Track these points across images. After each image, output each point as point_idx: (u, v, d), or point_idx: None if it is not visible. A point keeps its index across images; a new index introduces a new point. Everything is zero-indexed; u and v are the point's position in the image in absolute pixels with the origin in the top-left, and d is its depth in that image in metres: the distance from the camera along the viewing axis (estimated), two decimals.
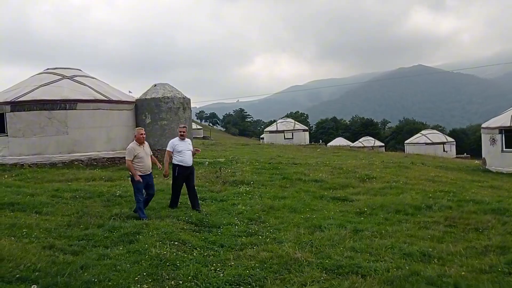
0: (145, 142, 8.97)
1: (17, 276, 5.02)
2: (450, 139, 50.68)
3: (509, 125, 20.82)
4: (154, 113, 18.28)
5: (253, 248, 6.61)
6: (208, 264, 5.83)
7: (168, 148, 9.63)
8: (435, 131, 54.44)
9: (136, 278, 5.15)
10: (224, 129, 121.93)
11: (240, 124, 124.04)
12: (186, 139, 9.71)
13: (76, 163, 16.10)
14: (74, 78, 18.20)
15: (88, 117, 16.98)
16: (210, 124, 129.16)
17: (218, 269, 5.65)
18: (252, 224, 8.34)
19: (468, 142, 75.14)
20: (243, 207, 9.69)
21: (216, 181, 13.54)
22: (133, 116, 18.62)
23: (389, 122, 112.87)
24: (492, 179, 17.63)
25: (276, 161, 19.58)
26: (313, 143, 53.34)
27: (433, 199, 11.36)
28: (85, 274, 5.20)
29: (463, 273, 5.86)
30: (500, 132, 21.17)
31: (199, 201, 9.70)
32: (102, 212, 8.63)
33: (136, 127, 18.78)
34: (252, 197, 10.97)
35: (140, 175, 8.52)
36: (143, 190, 8.70)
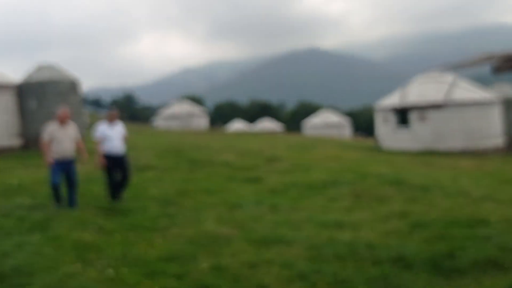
0: (71, 123, 8.32)
1: None
2: (345, 119, 54.52)
3: (399, 104, 23.21)
4: (41, 98, 17.43)
5: (177, 228, 6.98)
6: (134, 245, 6.10)
7: (98, 135, 8.97)
8: (331, 112, 58.14)
9: (64, 260, 5.27)
10: None
11: (129, 109, 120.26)
12: (117, 123, 9.18)
13: None
14: None
15: None
16: (96, 109, 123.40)
17: (146, 248, 5.95)
18: (168, 207, 8.64)
19: (361, 122, 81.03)
20: (156, 191, 9.93)
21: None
22: (16, 101, 17.57)
23: (286, 104, 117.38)
24: (386, 156, 19.65)
25: (178, 146, 19.80)
26: (212, 127, 53.91)
27: (338, 175, 12.56)
28: (9, 260, 5.20)
29: (372, 235, 6.84)
30: (392, 112, 23.52)
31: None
32: (2, 203, 8.36)
33: (21, 113, 17.77)
34: (163, 182, 11.21)
35: (57, 160, 7.93)
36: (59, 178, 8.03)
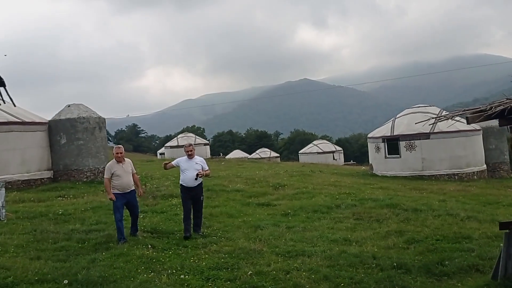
0: (126, 159, 8.89)
1: (35, 278, 5.88)
2: (338, 147, 55.81)
3: (390, 134, 24.49)
4: (70, 134, 18.54)
5: (215, 245, 8.03)
6: (186, 258, 7.15)
7: (173, 163, 9.70)
8: (324, 140, 59.56)
9: (138, 271, 6.31)
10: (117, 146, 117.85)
11: (134, 140, 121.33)
12: (196, 158, 9.63)
13: None
14: None
15: (0, 140, 16.80)
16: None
17: (196, 260, 7.00)
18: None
19: (352, 150, 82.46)
20: None
21: (145, 196, 14.48)
22: (47, 137, 18.69)
23: (281, 133, 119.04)
24: (380, 182, 20.74)
25: None
26: (214, 156, 54.95)
27: (339, 200, 13.64)
28: (91, 272, 6.21)
29: (376, 249, 7.91)
30: (383, 141, 24.75)
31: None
32: (57, 229, 9.31)
33: (51, 147, 18.85)
34: None
35: (118, 193, 8.50)
36: (123, 210, 8.59)
